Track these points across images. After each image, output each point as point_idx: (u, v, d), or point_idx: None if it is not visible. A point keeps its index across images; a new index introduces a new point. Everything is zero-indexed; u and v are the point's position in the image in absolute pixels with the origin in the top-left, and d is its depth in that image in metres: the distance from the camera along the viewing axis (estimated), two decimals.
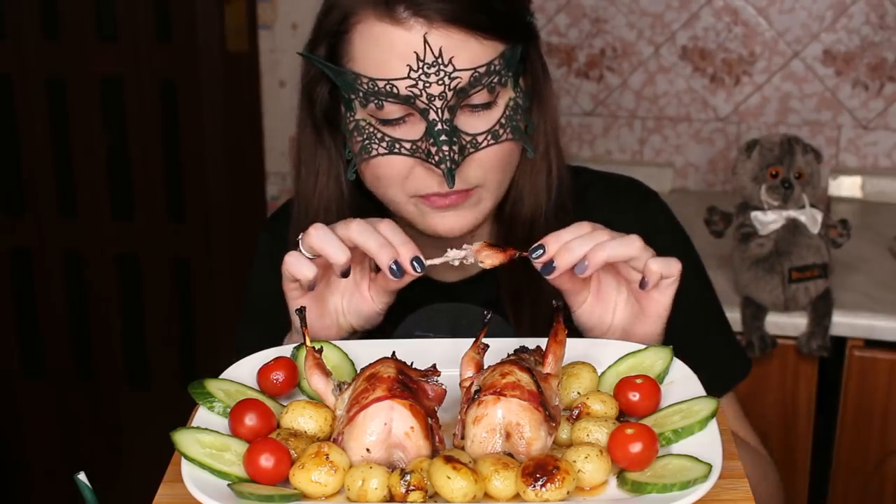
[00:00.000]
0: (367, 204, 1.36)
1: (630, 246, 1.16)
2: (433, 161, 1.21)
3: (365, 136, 1.24)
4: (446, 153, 1.20)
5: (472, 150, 1.23)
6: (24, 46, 2.94)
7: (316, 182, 1.35)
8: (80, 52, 2.92)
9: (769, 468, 1.42)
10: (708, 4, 2.70)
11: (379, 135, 1.24)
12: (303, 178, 1.37)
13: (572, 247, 1.15)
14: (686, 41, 2.73)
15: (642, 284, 1.17)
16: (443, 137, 1.20)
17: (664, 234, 1.43)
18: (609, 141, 2.83)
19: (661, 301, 1.19)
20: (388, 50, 1.21)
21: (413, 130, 1.23)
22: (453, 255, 1.18)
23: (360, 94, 1.22)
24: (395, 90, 1.20)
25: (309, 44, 1.30)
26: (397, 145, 1.23)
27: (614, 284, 1.23)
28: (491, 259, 1.15)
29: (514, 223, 1.35)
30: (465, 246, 1.18)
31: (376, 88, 1.21)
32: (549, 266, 1.15)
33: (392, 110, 1.22)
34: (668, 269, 1.17)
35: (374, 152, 1.24)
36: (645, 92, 2.78)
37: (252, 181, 2.98)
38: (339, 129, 1.31)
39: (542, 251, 1.16)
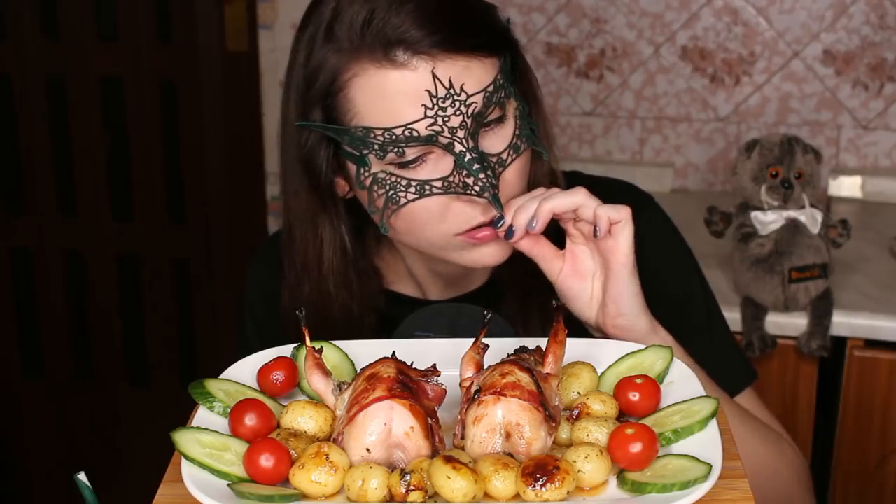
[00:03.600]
0: (364, 246, 1.37)
1: (574, 195, 1.20)
2: (473, 192, 1.19)
3: (388, 187, 1.21)
4: (485, 180, 1.18)
5: (500, 169, 1.22)
6: (24, 46, 2.94)
7: (321, 252, 1.33)
8: (80, 52, 2.92)
9: (788, 449, 1.41)
10: (708, 4, 2.70)
11: (404, 182, 1.20)
12: (298, 247, 1.34)
13: (525, 206, 1.20)
14: (686, 41, 2.73)
15: (595, 233, 1.20)
16: (476, 166, 1.18)
17: (662, 241, 1.43)
18: (609, 141, 2.83)
19: (617, 247, 1.21)
20: (398, 96, 1.18)
21: (438, 168, 1.21)
22: None
23: (376, 147, 1.19)
24: (415, 133, 1.18)
25: (300, 113, 1.25)
26: (427, 187, 1.20)
27: (588, 252, 1.24)
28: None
29: None
30: None
31: (394, 137, 1.18)
32: (510, 231, 1.21)
33: (411, 151, 1.20)
34: (616, 214, 1.20)
35: (404, 200, 1.21)
36: (645, 92, 2.78)
37: (252, 181, 2.98)
38: (336, 190, 1.29)
39: (502, 219, 1.21)
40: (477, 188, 1.19)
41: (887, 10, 2.63)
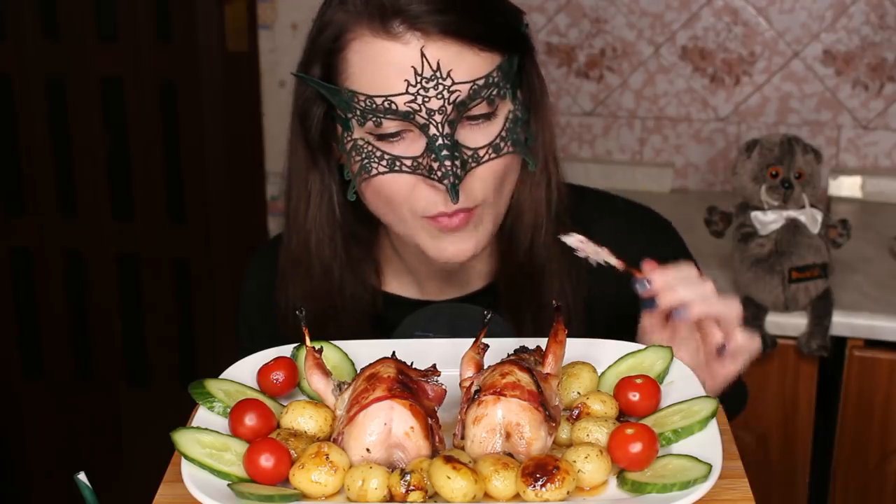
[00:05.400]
0: (359, 228, 1.35)
1: (731, 310, 1.18)
2: (435, 177, 1.19)
3: (364, 156, 1.22)
4: (449, 168, 1.18)
5: (473, 164, 1.21)
6: (24, 46, 2.94)
7: (308, 206, 1.33)
8: (80, 52, 2.92)
9: None
10: (708, 4, 2.70)
11: (378, 153, 1.21)
12: (293, 204, 1.34)
13: (678, 290, 1.16)
14: (686, 41, 2.73)
15: (720, 350, 1.19)
16: (444, 152, 1.18)
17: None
18: (609, 141, 2.83)
19: (731, 369, 1.21)
20: (385, 66, 1.18)
21: (413, 147, 1.21)
22: (584, 245, 1.18)
23: (358, 113, 1.20)
24: (393, 106, 1.18)
25: (302, 64, 1.27)
26: (398, 163, 1.21)
27: (688, 330, 1.22)
28: (607, 258, 1.18)
29: (515, 237, 1.34)
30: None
31: (374, 106, 1.19)
32: (652, 302, 1.17)
33: (390, 125, 1.20)
34: (751, 345, 1.20)
35: (374, 171, 1.22)
36: (645, 92, 2.78)
37: (252, 181, 2.98)
38: (332, 151, 1.29)
39: (647, 284, 1.17)
40: (439, 174, 1.18)
41: (887, 10, 2.63)
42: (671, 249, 1.43)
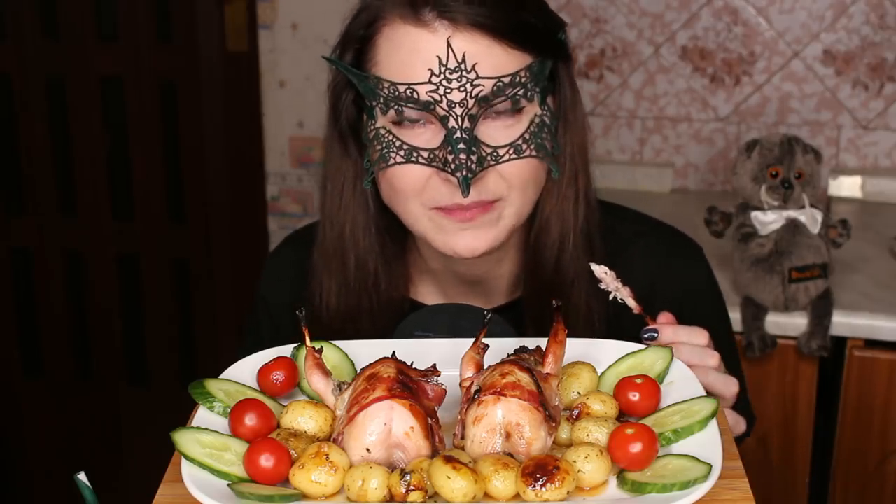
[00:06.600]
0: (392, 223, 1.34)
1: (727, 389, 1.20)
2: (449, 169, 1.18)
3: (384, 145, 1.21)
4: (463, 161, 1.17)
5: (492, 162, 1.20)
6: (24, 46, 2.94)
7: (342, 195, 1.32)
8: (80, 52, 2.92)
9: None
10: (708, 4, 2.70)
11: (397, 143, 1.21)
12: (329, 192, 1.33)
13: (682, 350, 1.17)
14: (686, 41, 2.73)
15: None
16: (461, 146, 1.17)
17: (705, 297, 1.44)
18: (609, 141, 2.83)
19: None
20: (411, 53, 1.18)
21: (433, 139, 1.20)
22: (608, 278, 1.21)
23: (381, 100, 1.20)
24: (415, 95, 1.18)
25: (336, 49, 1.27)
26: (415, 154, 1.20)
27: None
28: (626, 298, 1.20)
29: (541, 251, 1.32)
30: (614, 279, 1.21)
31: (397, 93, 1.18)
32: (651, 339, 1.20)
33: (411, 114, 1.19)
34: (735, 427, 1.23)
35: (392, 161, 1.21)
36: (645, 92, 2.78)
37: (252, 181, 2.98)
38: (362, 140, 1.28)
39: (655, 335, 1.19)
40: (453, 166, 1.18)
41: (887, 10, 2.63)
42: (702, 277, 1.43)
